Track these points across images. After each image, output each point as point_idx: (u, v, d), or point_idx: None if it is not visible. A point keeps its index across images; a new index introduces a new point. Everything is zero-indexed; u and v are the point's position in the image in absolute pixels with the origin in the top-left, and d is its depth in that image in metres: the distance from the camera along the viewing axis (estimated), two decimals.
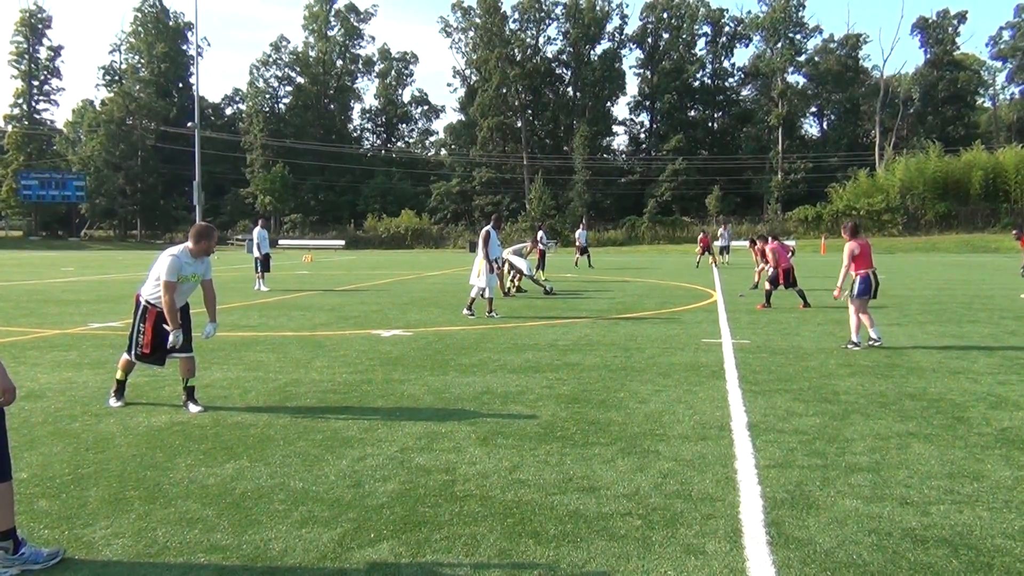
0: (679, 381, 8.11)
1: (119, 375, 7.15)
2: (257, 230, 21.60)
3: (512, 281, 19.35)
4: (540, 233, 25.59)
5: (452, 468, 5.19)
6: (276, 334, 12.00)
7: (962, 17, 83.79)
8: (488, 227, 14.75)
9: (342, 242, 72.50)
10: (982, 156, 67.35)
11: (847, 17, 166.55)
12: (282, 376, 8.47)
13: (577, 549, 3.91)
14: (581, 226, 39.02)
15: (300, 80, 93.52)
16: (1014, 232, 19.01)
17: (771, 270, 16.11)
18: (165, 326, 6.87)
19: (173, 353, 7.00)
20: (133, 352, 6.99)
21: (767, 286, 16.01)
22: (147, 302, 7.00)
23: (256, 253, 21.28)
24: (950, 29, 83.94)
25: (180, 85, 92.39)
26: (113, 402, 7.07)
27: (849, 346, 10.38)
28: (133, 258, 48.19)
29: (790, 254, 24.75)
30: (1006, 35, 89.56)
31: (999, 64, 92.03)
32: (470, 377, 8.37)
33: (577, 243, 34.21)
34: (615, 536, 4.06)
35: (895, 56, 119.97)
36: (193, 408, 6.90)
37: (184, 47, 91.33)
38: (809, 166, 79.67)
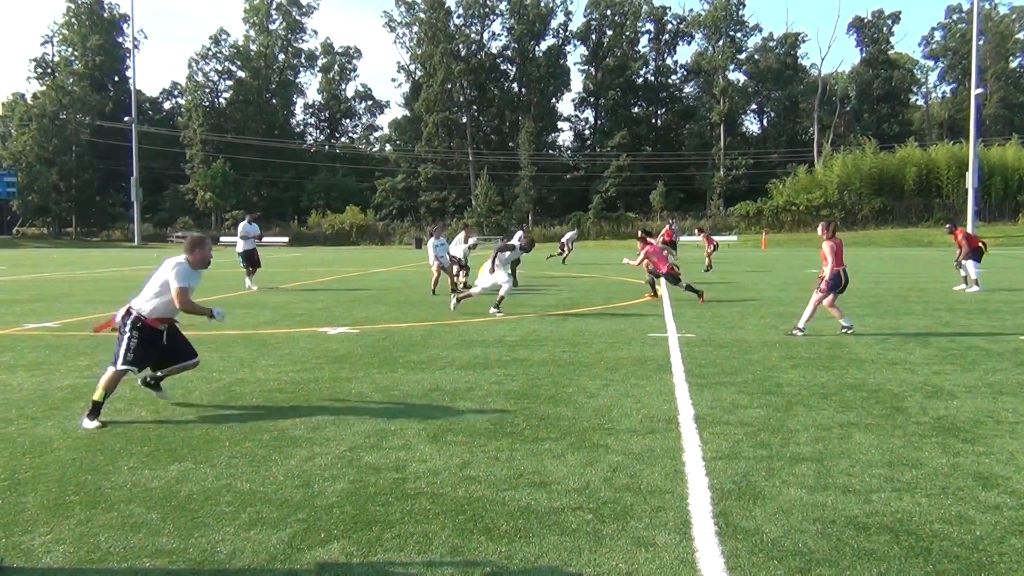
0: (626, 375, 8.19)
1: (98, 395, 6.38)
2: (243, 224, 20.62)
3: (458, 277, 19.32)
4: (519, 233, 25.52)
5: (402, 466, 5.16)
6: (219, 333, 11.78)
7: (896, 17, 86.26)
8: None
9: (286, 239, 71.56)
10: (916, 153, 69.46)
11: (786, 16, 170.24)
12: (226, 376, 8.32)
13: (529, 544, 3.92)
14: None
15: (241, 74, 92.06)
16: (947, 226, 19.65)
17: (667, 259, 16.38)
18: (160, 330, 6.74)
19: (183, 363, 6.91)
20: (122, 360, 6.49)
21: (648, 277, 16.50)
22: (139, 313, 6.64)
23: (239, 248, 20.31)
24: (884, 29, 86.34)
25: (116, 79, 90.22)
26: (87, 423, 6.24)
27: (795, 332, 10.81)
28: (68, 256, 46.84)
29: (713, 248, 25.31)
30: (938, 35, 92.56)
31: (931, 63, 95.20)
32: (418, 374, 8.33)
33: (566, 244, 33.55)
34: (566, 530, 4.09)
35: (832, 55, 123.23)
36: (159, 395, 7.02)
37: (120, 39, 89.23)
38: (750, 162, 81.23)
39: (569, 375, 8.23)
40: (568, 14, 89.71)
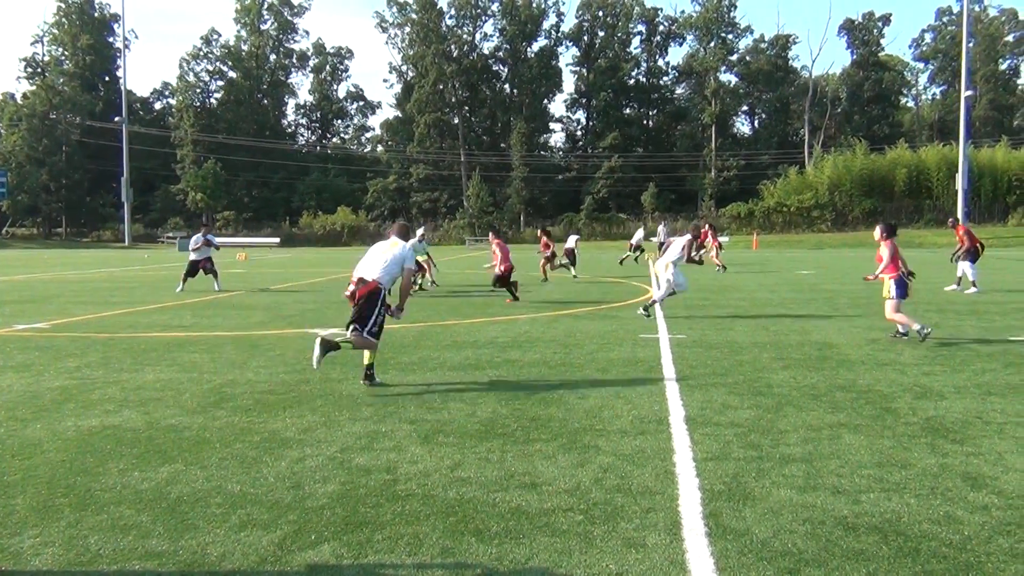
0: (618, 376, 8.20)
1: (369, 359, 7.77)
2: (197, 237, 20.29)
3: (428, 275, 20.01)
4: (574, 237, 25.91)
5: (393, 467, 5.16)
6: (210, 334, 11.76)
7: (886, 19, 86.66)
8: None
9: (277, 239, 71.41)
10: (906, 154, 69.72)
11: (777, 18, 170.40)
12: (217, 377, 8.30)
13: (519, 545, 3.92)
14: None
15: (232, 74, 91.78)
16: (950, 220, 19.85)
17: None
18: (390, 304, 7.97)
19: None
20: (368, 331, 7.62)
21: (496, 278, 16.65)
22: (380, 286, 7.79)
23: None
24: (875, 31, 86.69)
25: (106, 78, 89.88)
26: (370, 384, 7.71)
27: (923, 331, 10.19)
28: (58, 257, 46.66)
29: (718, 247, 25.59)
30: (927, 37, 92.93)
31: (921, 65, 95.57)
32: (410, 376, 8.33)
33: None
34: (557, 531, 4.09)
35: (823, 56, 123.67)
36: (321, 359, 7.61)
37: (110, 39, 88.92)
38: (741, 163, 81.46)
39: (560, 376, 8.24)
40: (560, 15, 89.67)
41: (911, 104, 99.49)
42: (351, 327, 7.67)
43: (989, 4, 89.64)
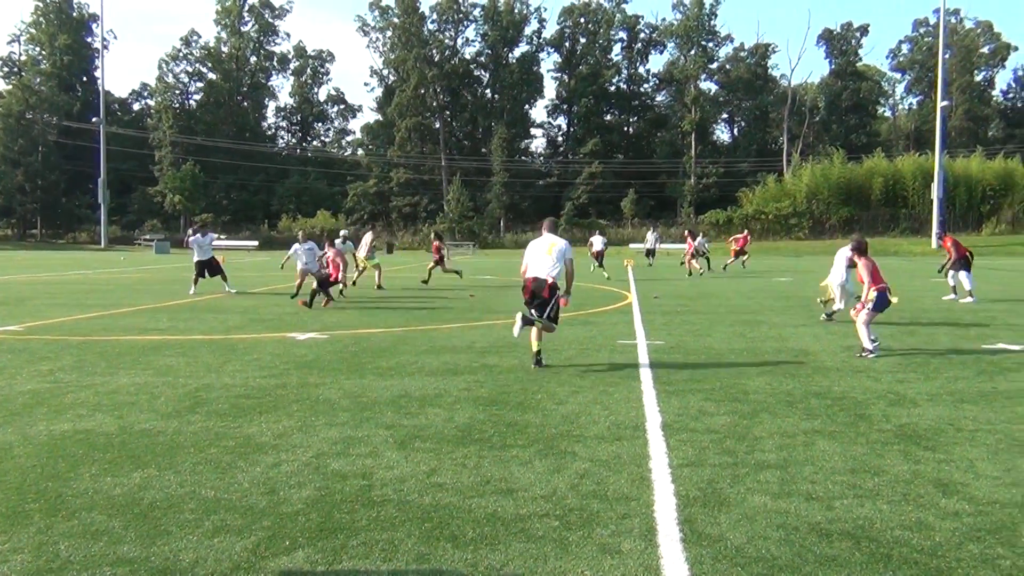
0: (595, 382, 8.22)
1: (536, 346, 9.12)
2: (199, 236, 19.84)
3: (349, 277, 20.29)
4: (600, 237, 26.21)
5: (369, 473, 5.14)
6: (186, 337, 11.67)
7: (864, 30, 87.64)
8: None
9: (255, 243, 70.89)
10: (882, 163, 70.57)
11: (757, 27, 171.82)
12: (193, 381, 8.24)
13: (495, 551, 3.92)
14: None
15: (212, 76, 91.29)
16: (937, 232, 20.06)
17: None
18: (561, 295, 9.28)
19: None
20: (548, 315, 9.09)
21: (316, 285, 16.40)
22: (553, 280, 9.12)
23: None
24: (853, 41, 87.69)
25: (84, 79, 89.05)
26: (539, 367, 8.99)
27: (865, 355, 10.00)
28: (33, 258, 46.12)
29: (692, 253, 25.81)
30: (905, 48, 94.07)
31: (898, 76, 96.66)
32: (387, 380, 8.30)
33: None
34: (532, 537, 4.09)
35: (802, 66, 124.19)
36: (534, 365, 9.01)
37: (89, 39, 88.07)
38: (720, 171, 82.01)
39: (538, 382, 8.25)
40: (542, 21, 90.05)
41: (888, 114, 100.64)
42: (536, 318, 9.14)
43: (965, 16, 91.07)
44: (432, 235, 24.81)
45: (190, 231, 20.61)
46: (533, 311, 9.12)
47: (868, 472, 5.20)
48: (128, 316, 14.64)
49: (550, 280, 9.08)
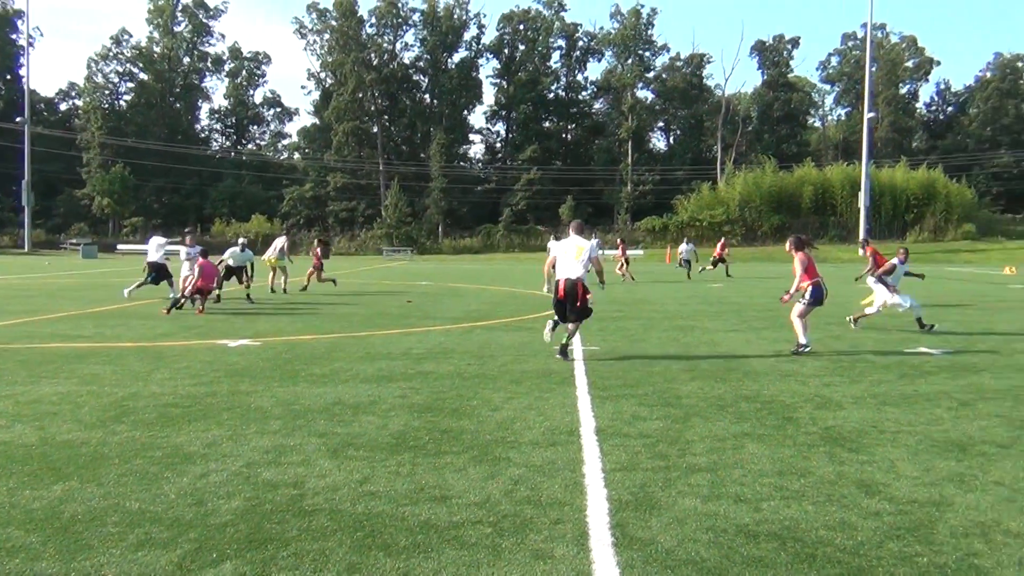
0: (531, 388, 8.25)
1: (567, 340, 10.45)
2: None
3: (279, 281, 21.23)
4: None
5: (301, 482, 5.07)
6: (113, 345, 11.35)
7: (795, 42, 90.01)
8: None
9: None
10: (812, 172, 72.62)
11: (692, 37, 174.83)
12: (119, 390, 8.01)
13: (428, 559, 3.90)
14: (685, 240, 34.90)
15: (143, 76, 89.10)
16: (861, 240, 20.86)
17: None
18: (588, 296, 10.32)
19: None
20: (581, 314, 10.24)
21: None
22: (581, 280, 10.19)
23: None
24: (785, 53, 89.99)
25: (8, 77, 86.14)
26: (564, 359, 10.03)
27: (800, 350, 10.75)
28: None
29: (625, 261, 25.93)
30: (834, 61, 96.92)
31: (828, 87, 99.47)
32: (321, 388, 8.20)
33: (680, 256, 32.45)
34: (465, 544, 4.09)
35: (735, 76, 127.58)
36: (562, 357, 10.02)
37: (13, 36, 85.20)
38: (657, 178, 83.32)
39: (474, 388, 8.24)
40: (481, 27, 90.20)
41: (818, 124, 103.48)
42: (571, 317, 10.24)
43: (891, 31, 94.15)
44: (315, 242, 24.61)
45: (179, 242, 19.99)
46: (569, 315, 10.25)
47: (795, 474, 5.32)
48: (52, 323, 14.18)
49: (576, 280, 10.10)
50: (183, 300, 16.24)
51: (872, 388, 8.38)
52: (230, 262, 19.15)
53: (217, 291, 17.47)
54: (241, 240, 20.99)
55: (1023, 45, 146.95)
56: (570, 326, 10.38)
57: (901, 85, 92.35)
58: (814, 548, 4.08)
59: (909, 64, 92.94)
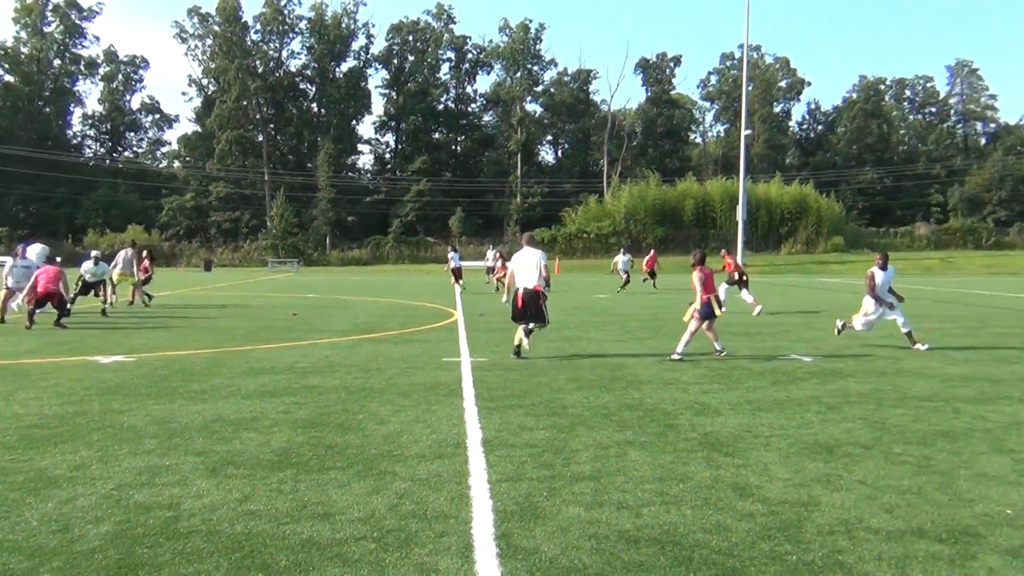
0: (418, 401, 8.20)
1: (527, 344, 11.47)
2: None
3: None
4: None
5: (176, 503, 4.88)
6: None
7: (677, 60, 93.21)
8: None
9: (58, 259, 65.70)
10: (694, 186, 75.26)
11: (579, 53, 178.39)
12: None
13: None
14: (621, 251, 33.73)
15: (9, 78, 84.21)
16: (723, 251, 21.85)
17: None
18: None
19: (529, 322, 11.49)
20: (543, 318, 11.55)
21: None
22: (538, 287, 11.39)
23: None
24: (667, 71, 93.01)
25: None
26: (518, 358, 11.26)
27: (674, 357, 11.37)
28: None
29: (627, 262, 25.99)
30: (713, 79, 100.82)
31: (708, 105, 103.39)
32: (200, 405, 7.92)
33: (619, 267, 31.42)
34: (348, 561, 4.02)
35: (621, 92, 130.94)
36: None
37: None
38: (545, 190, 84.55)
39: (360, 402, 8.13)
40: (370, 37, 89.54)
41: (699, 140, 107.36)
42: (530, 323, 11.45)
43: (766, 52, 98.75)
44: (145, 252, 23.86)
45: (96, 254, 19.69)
46: (529, 321, 11.43)
47: (674, 479, 5.48)
48: None
49: (534, 287, 11.30)
50: (34, 311, 15.34)
51: (748, 394, 8.72)
52: (88, 277, 18.57)
53: (69, 305, 16.46)
54: (94, 254, 20.05)
55: (886, 68, 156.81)
56: (531, 326, 11.50)
57: (775, 104, 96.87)
58: (691, 551, 4.20)
59: (783, 84, 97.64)
